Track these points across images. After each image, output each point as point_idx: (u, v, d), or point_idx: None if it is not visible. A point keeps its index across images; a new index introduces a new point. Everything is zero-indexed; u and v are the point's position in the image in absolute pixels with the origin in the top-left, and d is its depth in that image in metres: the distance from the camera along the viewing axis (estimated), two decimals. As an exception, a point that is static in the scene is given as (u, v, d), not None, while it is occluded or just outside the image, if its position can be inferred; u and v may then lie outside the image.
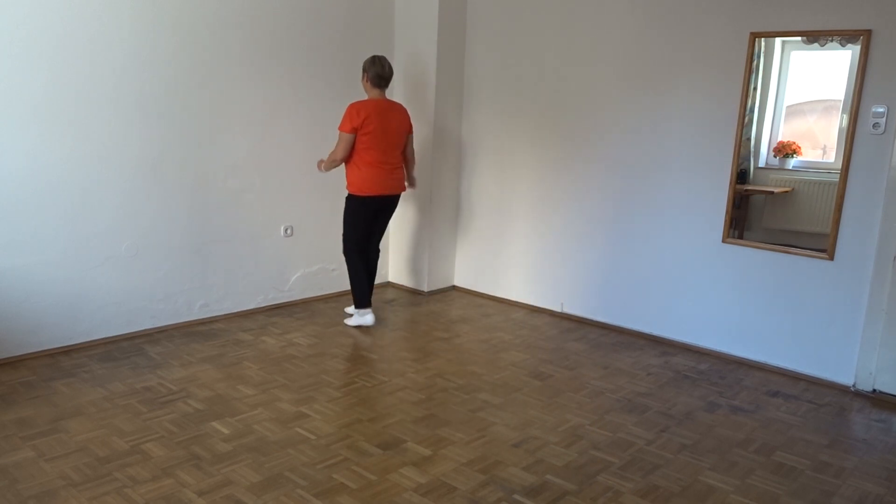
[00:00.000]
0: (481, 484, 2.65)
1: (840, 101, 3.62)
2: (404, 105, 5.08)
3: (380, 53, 4.97)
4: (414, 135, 5.11)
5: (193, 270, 4.23)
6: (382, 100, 4.12)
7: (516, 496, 2.58)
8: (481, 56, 4.97)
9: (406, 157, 4.35)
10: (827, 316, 3.74)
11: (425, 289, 5.19)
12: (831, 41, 3.61)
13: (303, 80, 4.57)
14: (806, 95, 3.85)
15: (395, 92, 5.14)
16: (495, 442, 2.99)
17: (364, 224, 4.27)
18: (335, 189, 4.92)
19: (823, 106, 3.74)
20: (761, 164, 4.00)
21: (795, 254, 3.80)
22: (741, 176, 3.98)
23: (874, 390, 3.65)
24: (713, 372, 3.89)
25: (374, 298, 5.05)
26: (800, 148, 3.90)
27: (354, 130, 4.02)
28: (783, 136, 3.93)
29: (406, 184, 4.42)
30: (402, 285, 5.36)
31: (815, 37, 3.65)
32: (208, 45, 4.06)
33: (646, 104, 4.23)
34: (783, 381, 3.82)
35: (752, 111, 3.91)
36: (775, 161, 3.96)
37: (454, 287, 5.40)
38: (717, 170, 4.00)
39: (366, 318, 4.33)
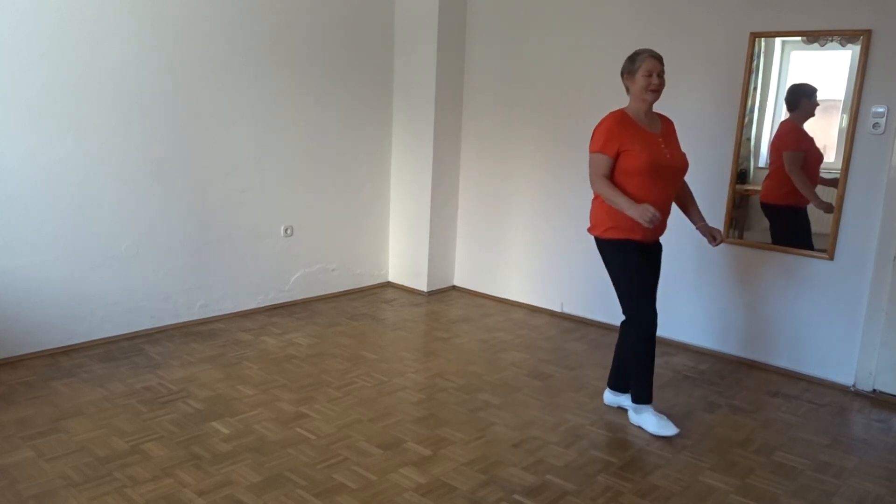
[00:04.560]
0: (481, 484, 2.65)
1: (840, 101, 3.62)
2: (406, 104, 5.10)
3: (377, 54, 4.97)
4: (415, 135, 5.12)
5: (193, 270, 4.23)
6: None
7: (516, 496, 2.58)
8: (481, 56, 4.96)
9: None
10: (827, 316, 3.74)
11: (425, 289, 5.19)
12: (831, 41, 3.61)
13: (303, 80, 4.57)
14: (806, 95, 3.85)
15: (394, 94, 5.14)
16: (495, 442, 2.99)
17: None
18: (335, 189, 4.92)
19: (823, 106, 3.73)
20: (761, 164, 3.99)
21: (795, 254, 3.80)
22: (741, 176, 3.98)
23: (874, 390, 3.64)
24: (713, 372, 3.89)
25: (373, 299, 5.05)
26: (800, 148, 3.89)
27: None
28: (783, 136, 3.93)
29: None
30: (402, 285, 5.36)
31: (815, 37, 3.65)
32: (209, 45, 4.06)
33: (646, 104, 4.22)
34: (783, 381, 3.82)
35: (752, 111, 3.90)
36: (775, 161, 3.96)
37: (454, 287, 5.40)
38: (718, 170, 4.00)
39: (665, 426, 3.10)
